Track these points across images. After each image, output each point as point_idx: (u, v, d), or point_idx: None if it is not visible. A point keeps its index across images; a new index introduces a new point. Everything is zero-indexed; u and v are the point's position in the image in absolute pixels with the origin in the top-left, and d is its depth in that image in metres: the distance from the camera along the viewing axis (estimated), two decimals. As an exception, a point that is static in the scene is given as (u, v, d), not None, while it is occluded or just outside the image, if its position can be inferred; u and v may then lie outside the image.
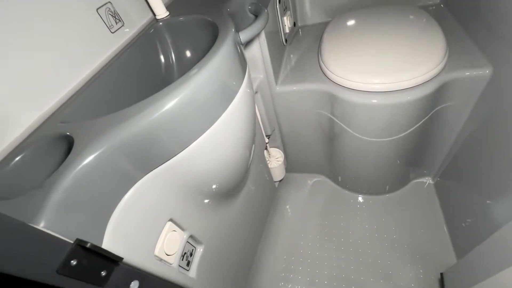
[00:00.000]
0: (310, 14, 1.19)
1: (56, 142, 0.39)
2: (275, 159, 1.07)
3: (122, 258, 0.32)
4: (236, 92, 0.50)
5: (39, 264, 0.24)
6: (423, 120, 0.84)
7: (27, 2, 0.43)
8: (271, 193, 1.07)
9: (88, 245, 0.27)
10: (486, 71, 0.75)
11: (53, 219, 0.27)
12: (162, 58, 0.68)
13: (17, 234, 0.22)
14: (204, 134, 0.46)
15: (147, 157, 0.39)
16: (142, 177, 0.40)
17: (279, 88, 0.92)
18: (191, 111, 0.41)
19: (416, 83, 0.74)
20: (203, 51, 0.64)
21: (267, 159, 1.03)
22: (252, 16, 0.73)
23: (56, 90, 0.48)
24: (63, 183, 0.30)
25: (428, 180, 1.12)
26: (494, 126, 0.71)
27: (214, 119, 0.46)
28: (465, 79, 0.77)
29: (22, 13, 0.43)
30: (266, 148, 1.01)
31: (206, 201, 0.59)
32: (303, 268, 1.00)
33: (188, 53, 0.69)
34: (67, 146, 0.37)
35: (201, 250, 0.60)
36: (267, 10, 0.65)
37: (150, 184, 0.42)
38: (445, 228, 0.98)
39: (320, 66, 0.93)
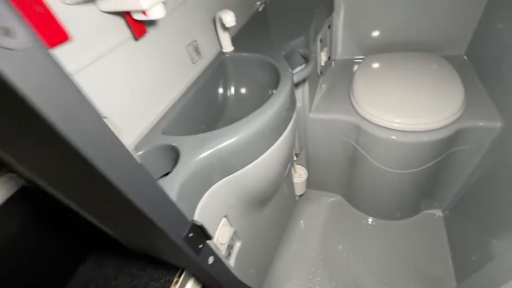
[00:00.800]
0: (342, 50, 1.33)
1: (164, 148, 0.54)
2: (299, 175, 1.20)
3: (212, 237, 0.46)
4: (289, 122, 0.65)
5: (173, 229, 0.38)
6: (437, 159, 0.95)
7: (144, 49, 0.60)
8: (292, 205, 1.19)
9: (199, 224, 0.41)
10: (497, 124, 0.86)
11: (179, 201, 0.42)
12: (222, 86, 0.84)
13: (165, 204, 0.36)
14: (261, 157, 0.60)
15: (226, 167, 0.54)
16: (218, 181, 0.54)
17: (312, 115, 1.06)
18: (258, 138, 0.56)
19: (433, 128, 0.86)
20: (259, 86, 0.79)
21: (292, 175, 1.16)
22: (300, 57, 0.88)
23: (156, 106, 0.64)
24: (181, 178, 0.45)
25: (438, 212, 1.21)
26: (501, 173, 0.82)
27: (269, 146, 0.61)
28: (478, 128, 0.88)
29: (142, 55, 0.59)
30: (293, 165, 1.15)
31: (249, 205, 0.73)
32: (305, 275, 1.11)
33: (245, 84, 0.84)
34: (173, 153, 0.53)
35: (239, 244, 0.74)
36: (314, 55, 0.80)
37: (221, 186, 0.56)
38: (450, 261, 1.06)
39: (350, 99, 1.06)
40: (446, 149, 0.94)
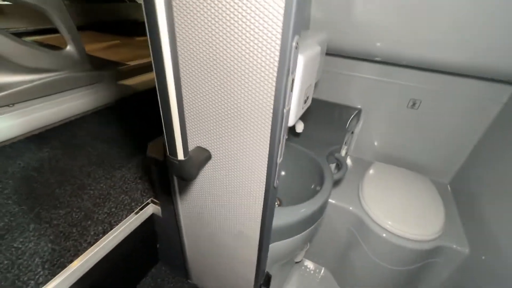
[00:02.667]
0: (354, 150, 1.65)
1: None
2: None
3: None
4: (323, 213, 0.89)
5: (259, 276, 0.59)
6: (416, 265, 1.18)
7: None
8: (289, 270, 1.36)
9: (270, 275, 0.62)
10: (466, 250, 1.11)
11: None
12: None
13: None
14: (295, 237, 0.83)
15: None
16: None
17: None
18: (302, 223, 0.79)
19: (417, 239, 1.11)
20: (302, 176, 1.05)
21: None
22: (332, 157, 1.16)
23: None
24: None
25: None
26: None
27: (305, 229, 0.84)
28: (451, 249, 1.13)
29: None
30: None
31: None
32: None
33: (292, 170, 1.11)
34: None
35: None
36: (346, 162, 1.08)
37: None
38: None
39: (358, 194, 1.32)
40: (424, 258, 1.17)
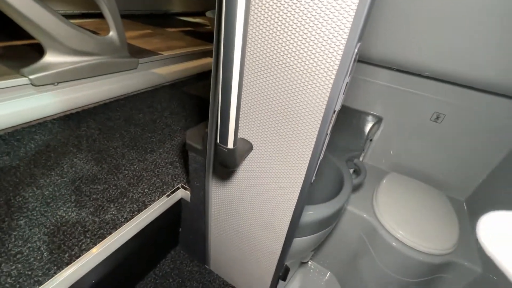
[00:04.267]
0: (371, 158, 1.68)
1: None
2: (312, 245, 1.44)
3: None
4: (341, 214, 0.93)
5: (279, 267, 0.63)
6: (424, 278, 1.20)
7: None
8: (296, 269, 1.41)
9: (288, 267, 0.67)
10: (478, 269, 1.13)
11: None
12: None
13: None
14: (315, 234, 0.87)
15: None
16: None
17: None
18: (325, 221, 0.83)
19: (428, 252, 1.13)
20: (321, 176, 1.09)
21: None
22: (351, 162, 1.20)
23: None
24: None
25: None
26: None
27: (325, 228, 0.88)
28: (463, 266, 1.15)
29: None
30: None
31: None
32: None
33: None
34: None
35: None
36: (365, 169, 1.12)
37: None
38: None
39: (372, 202, 1.36)
40: (434, 272, 1.19)
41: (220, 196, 0.91)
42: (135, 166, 1.12)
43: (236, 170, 0.81)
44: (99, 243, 0.80)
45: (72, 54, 1.34)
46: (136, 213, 0.91)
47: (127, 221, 0.88)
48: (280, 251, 0.85)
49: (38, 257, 0.74)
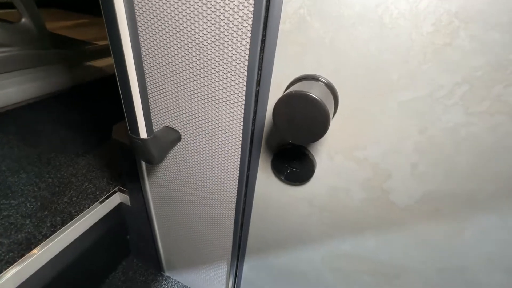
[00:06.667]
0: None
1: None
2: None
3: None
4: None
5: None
6: None
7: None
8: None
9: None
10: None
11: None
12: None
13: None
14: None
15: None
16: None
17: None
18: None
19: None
20: None
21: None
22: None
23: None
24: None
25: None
26: None
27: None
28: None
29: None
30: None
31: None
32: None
33: None
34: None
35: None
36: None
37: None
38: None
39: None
40: None
41: (159, 195, 0.80)
42: (63, 173, 0.96)
43: (166, 163, 0.70)
44: (5, 270, 0.65)
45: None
46: (59, 227, 0.77)
47: (46, 238, 0.74)
48: (231, 246, 0.77)
49: None
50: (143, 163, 0.75)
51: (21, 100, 1.29)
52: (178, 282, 1.07)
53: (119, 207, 0.94)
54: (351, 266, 0.60)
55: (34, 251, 0.70)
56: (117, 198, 0.92)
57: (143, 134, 0.52)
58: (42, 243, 0.72)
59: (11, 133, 1.12)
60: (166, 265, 1.05)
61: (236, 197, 0.64)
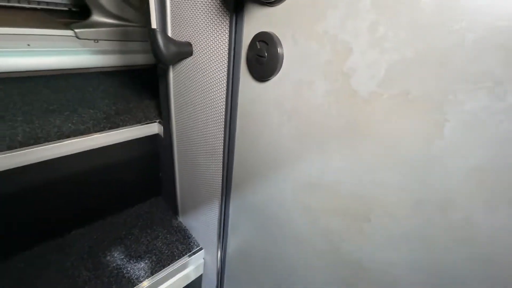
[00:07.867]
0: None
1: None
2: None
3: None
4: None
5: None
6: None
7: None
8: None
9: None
10: None
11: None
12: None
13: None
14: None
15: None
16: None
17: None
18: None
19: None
20: None
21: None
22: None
23: None
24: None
25: None
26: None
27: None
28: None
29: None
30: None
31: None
32: None
33: None
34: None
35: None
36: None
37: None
38: None
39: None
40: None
41: (178, 124, 0.89)
42: (130, 105, 1.21)
43: (181, 87, 0.77)
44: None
45: (112, 18, 1.58)
46: (107, 129, 0.97)
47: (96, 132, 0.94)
48: (221, 179, 0.76)
49: None
50: (172, 97, 0.86)
51: (144, 63, 1.74)
52: (185, 227, 1.10)
53: (156, 137, 1.09)
54: (320, 204, 0.49)
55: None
56: (156, 128, 1.07)
57: (153, 24, 0.62)
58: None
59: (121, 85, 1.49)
60: (181, 210, 1.11)
61: (224, 110, 0.65)
